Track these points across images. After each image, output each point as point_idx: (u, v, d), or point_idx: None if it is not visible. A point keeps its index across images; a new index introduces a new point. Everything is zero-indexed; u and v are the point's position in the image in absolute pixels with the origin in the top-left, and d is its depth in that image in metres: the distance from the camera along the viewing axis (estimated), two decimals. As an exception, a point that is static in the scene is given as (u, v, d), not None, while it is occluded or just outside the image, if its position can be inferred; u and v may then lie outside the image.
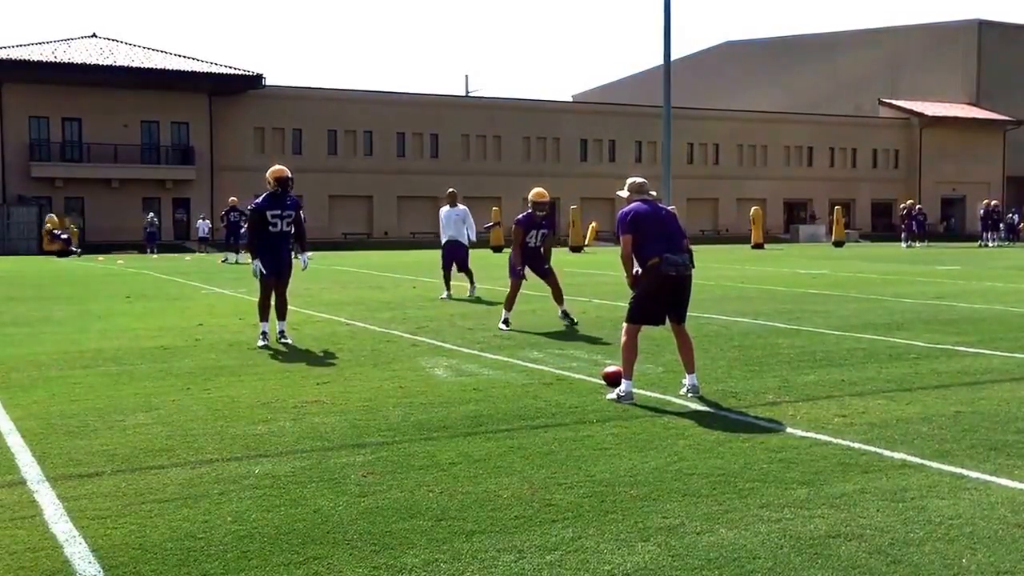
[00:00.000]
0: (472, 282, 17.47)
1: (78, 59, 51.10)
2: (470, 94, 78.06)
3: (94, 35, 57.04)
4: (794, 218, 69.19)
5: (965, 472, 5.61)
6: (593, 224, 50.06)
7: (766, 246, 45.34)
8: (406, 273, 24.97)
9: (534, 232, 12.78)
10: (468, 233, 17.57)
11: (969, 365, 9.40)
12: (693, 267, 7.87)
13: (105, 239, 49.00)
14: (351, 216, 57.96)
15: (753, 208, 48.17)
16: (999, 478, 5.47)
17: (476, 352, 10.46)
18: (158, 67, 52.48)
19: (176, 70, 52.72)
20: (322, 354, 10.44)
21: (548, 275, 12.95)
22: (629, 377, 7.75)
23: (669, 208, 8.22)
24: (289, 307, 11.87)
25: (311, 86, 59.21)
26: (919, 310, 14.69)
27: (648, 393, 8.00)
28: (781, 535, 4.52)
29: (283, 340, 11.20)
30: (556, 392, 8.13)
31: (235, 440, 6.45)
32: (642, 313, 7.79)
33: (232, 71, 54.30)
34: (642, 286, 7.76)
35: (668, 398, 7.83)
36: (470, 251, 17.75)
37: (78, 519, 4.80)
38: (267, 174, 11.60)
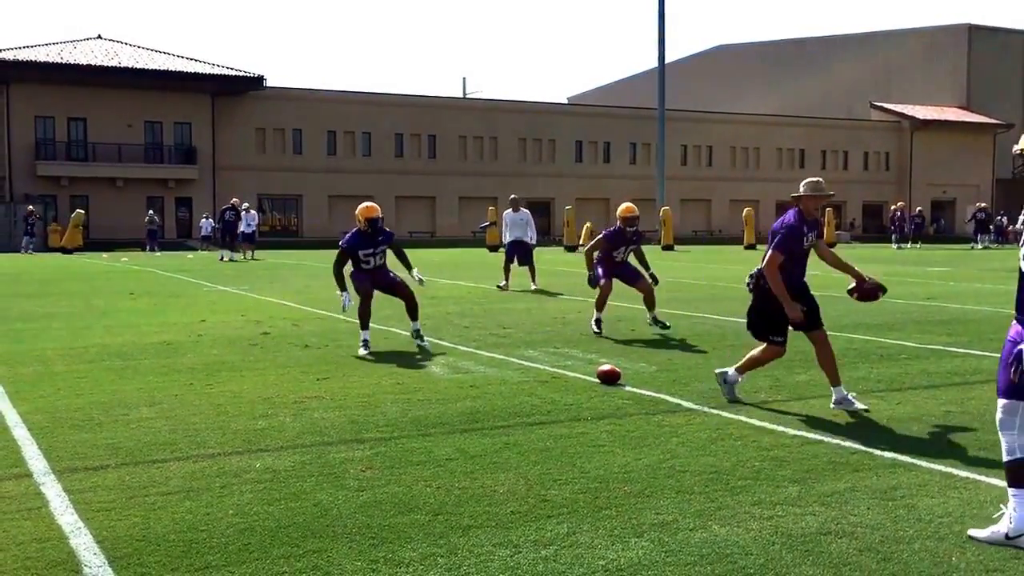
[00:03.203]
0: (534, 276, 18.83)
1: (83, 60, 51.62)
2: (468, 96, 78.10)
3: (99, 36, 57.47)
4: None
5: (955, 471, 5.65)
6: (588, 224, 50.10)
7: (759, 247, 45.37)
8: (404, 271, 24.96)
9: (623, 248, 12.31)
10: (531, 234, 19.31)
11: (959, 365, 9.50)
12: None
13: (109, 237, 49.18)
14: (350, 216, 57.54)
15: (746, 209, 48.28)
16: (988, 477, 5.51)
17: (472, 350, 10.54)
18: (161, 68, 53.06)
19: (179, 71, 53.30)
20: (322, 350, 10.51)
21: (638, 280, 12.45)
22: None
23: None
24: (289, 304, 11.94)
25: (311, 87, 59.43)
26: (910, 311, 14.76)
27: (641, 392, 8.08)
28: (773, 532, 4.57)
29: (419, 342, 10.84)
30: (551, 390, 8.19)
31: (236, 435, 6.53)
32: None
33: (234, 72, 54.82)
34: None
35: (661, 396, 7.90)
36: (534, 250, 19.52)
37: (83, 511, 4.87)
38: (357, 212, 11.30)
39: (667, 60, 53.94)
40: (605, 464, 5.79)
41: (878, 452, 6.10)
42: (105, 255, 37.62)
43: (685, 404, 7.62)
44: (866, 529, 4.63)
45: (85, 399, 7.76)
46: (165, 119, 53.84)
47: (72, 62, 51.09)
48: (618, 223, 12.24)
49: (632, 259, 12.65)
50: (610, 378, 8.44)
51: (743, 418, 7.10)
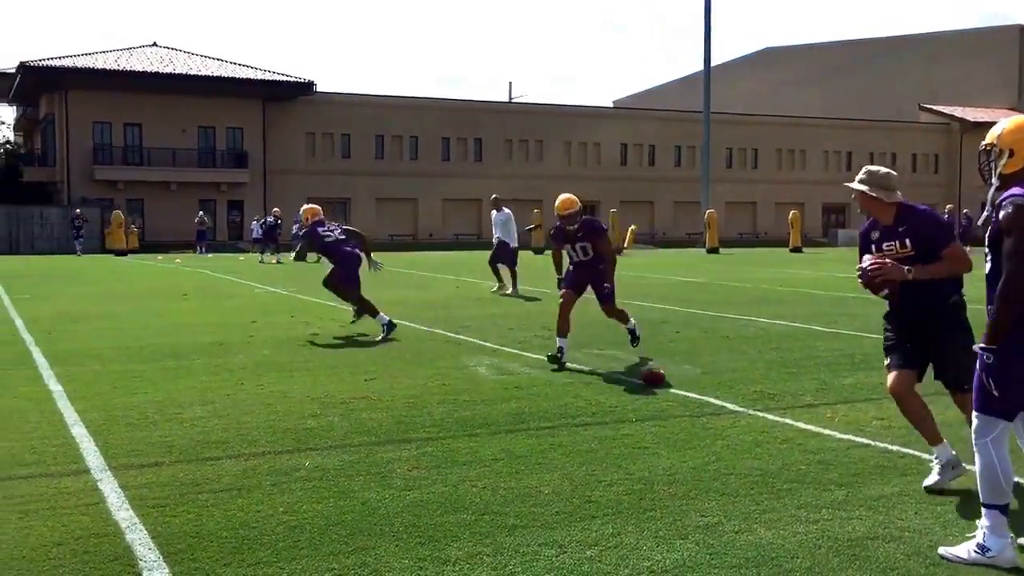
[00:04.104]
0: (514, 282, 18.34)
1: (139, 67, 52.93)
2: (513, 100, 78.29)
3: (155, 44, 58.92)
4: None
5: (1004, 476, 5.60)
6: (632, 227, 50.06)
7: (804, 249, 45.03)
8: (449, 273, 25.16)
9: (570, 246, 10.14)
10: (511, 235, 18.94)
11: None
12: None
13: (163, 239, 50.17)
14: (397, 218, 58.60)
15: (792, 212, 47.92)
16: (1039, 482, 5.42)
17: (517, 351, 10.58)
18: (214, 74, 54.24)
19: (231, 77, 54.46)
20: (369, 352, 10.62)
21: (607, 299, 10.26)
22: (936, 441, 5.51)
23: None
24: (337, 306, 12.08)
25: (359, 92, 60.03)
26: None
27: (686, 394, 8.08)
28: (819, 536, 4.55)
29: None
30: (596, 391, 8.22)
31: (286, 434, 6.64)
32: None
33: (284, 78, 55.80)
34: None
35: (706, 399, 7.89)
36: (517, 252, 19.10)
37: (139, 507, 4.97)
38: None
39: (713, 63, 53.70)
40: (650, 466, 5.81)
41: (927, 456, 5.99)
42: (159, 256, 38.22)
43: (730, 406, 7.60)
44: (914, 534, 4.60)
45: (140, 398, 7.92)
46: (218, 124, 54.92)
47: (128, 69, 52.35)
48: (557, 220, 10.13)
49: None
50: (655, 380, 8.46)
51: (788, 421, 7.07)
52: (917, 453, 6.11)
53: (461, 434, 6.65)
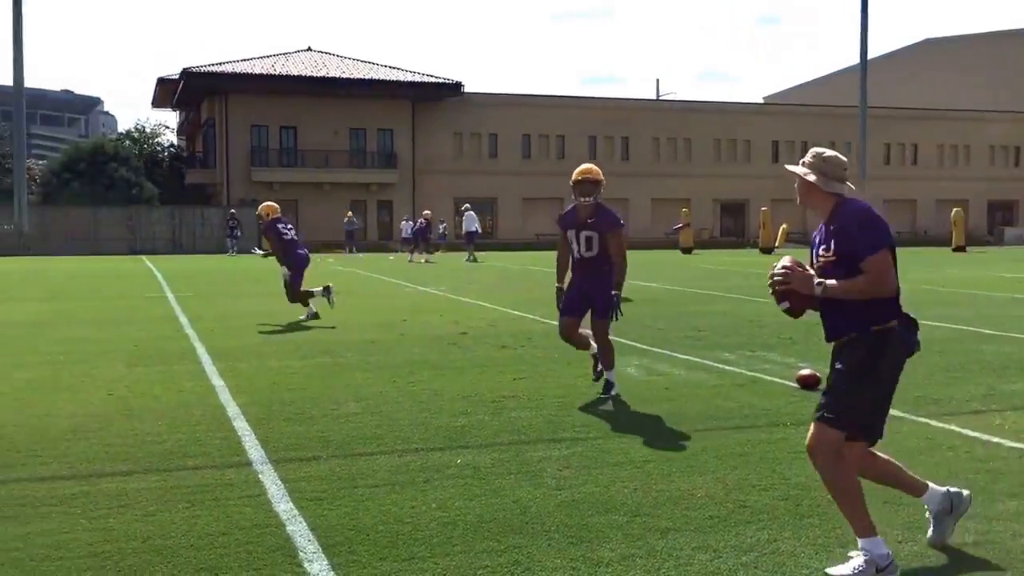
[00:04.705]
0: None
1: (295, 71, 55.12)
2: (661, 97, 77.71)
3: (309, 49, 60.96)
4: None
5: None
6: (784, 226, 48.99)
7: (968, 249, 43.15)
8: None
9: (575, 233, 7.93)
10: None
11: None
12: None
13: (316, 238, 51.81)
14: (543, 217, 58.92)
15: (954, 210, 46.05)
16: None
17: (667, 352, 10.48)
18: (365, 78, 55.85)
19: (382, 80, 56.00)
20: (518, 351, 10.68)
21: (602, 312, 7.98)
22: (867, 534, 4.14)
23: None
24: (485, 305, 12.21)
25: (506, 92, 60.65)
26: None
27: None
28: (989, 548, 4.37)
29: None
30: (748, 394, 8.07)
31: (438, 431, 6.72)
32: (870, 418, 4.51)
33: (433, 79, 56.95)
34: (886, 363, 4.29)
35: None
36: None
37: (298, 500, 5.11)
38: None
39: (870, 55, 52.09)
40: (806, 471, 5.61)
41: (1105, 468, 5.72)
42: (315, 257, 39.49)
43: (891, 411, 7.31)
44: (1094, 550, 4.36)
45: (297, 393, 8.17)
46: (368, 126, 56.51)
47: (284, 73, 54.57)
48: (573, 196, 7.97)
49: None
50: (810, 383, 8.23)
51: (954, 428, 6.79)
52: (1096, 464, 5.77)
53: (611, 434, 6.62)
